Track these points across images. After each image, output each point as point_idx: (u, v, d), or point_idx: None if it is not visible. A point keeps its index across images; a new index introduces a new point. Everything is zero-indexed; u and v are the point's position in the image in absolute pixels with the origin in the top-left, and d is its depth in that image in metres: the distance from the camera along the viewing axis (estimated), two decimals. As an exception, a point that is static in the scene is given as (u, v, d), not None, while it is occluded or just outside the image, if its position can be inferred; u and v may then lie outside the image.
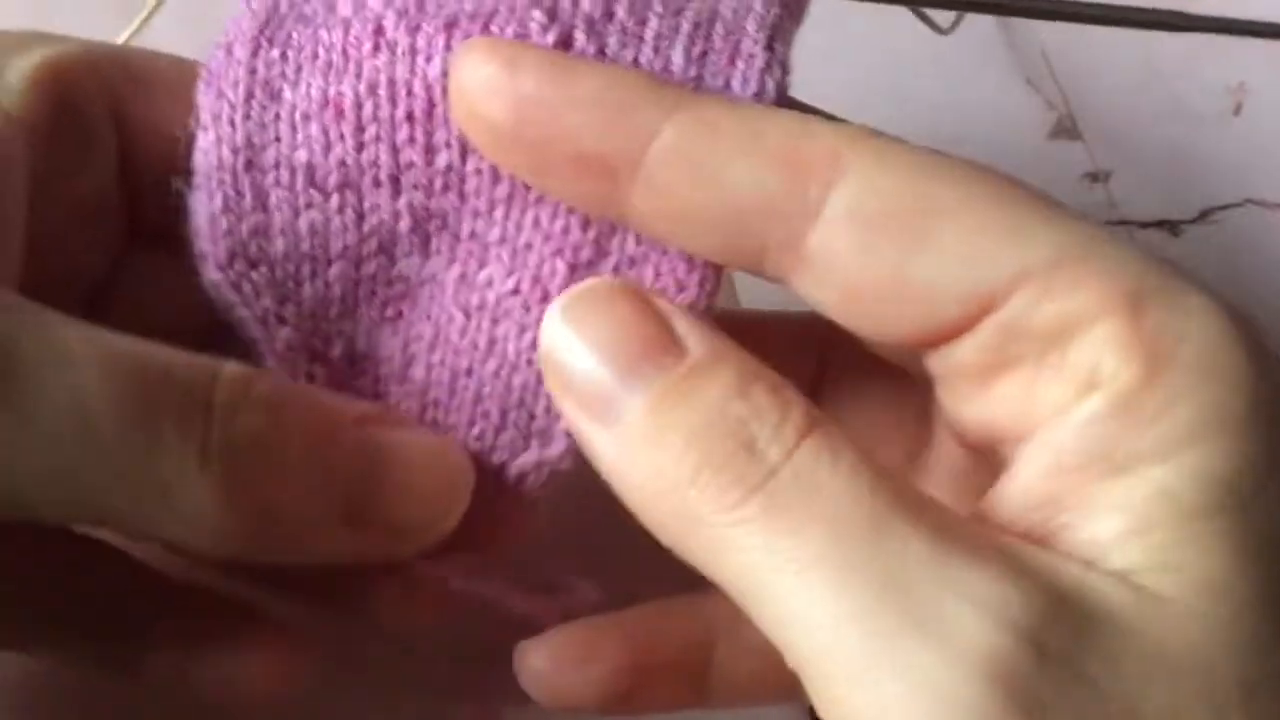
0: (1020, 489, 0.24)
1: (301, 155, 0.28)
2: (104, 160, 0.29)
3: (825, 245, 0.24)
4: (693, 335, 0.25)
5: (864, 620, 0.21)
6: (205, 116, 0.28)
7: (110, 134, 0.29)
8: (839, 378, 0.31)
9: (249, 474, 0.24)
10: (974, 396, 0.25)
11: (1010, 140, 0.48)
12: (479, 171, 0.27)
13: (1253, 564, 0.22)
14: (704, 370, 0.24)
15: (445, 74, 0.27)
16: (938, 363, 0.25)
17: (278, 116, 0.28)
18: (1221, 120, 0.48)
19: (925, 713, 0.21)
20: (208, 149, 0.28)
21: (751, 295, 0.39)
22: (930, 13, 0.46)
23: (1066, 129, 0.48)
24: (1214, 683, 0.21)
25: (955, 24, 0.46)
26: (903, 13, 0.47)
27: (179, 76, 0.29)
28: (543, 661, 0.30)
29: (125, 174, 0.29)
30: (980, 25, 0.48)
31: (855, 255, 0.24)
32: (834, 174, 0.24)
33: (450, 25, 0.27)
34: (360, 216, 0.28)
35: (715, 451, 0.23)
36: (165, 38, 0.44)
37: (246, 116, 0.28)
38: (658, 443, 0.24)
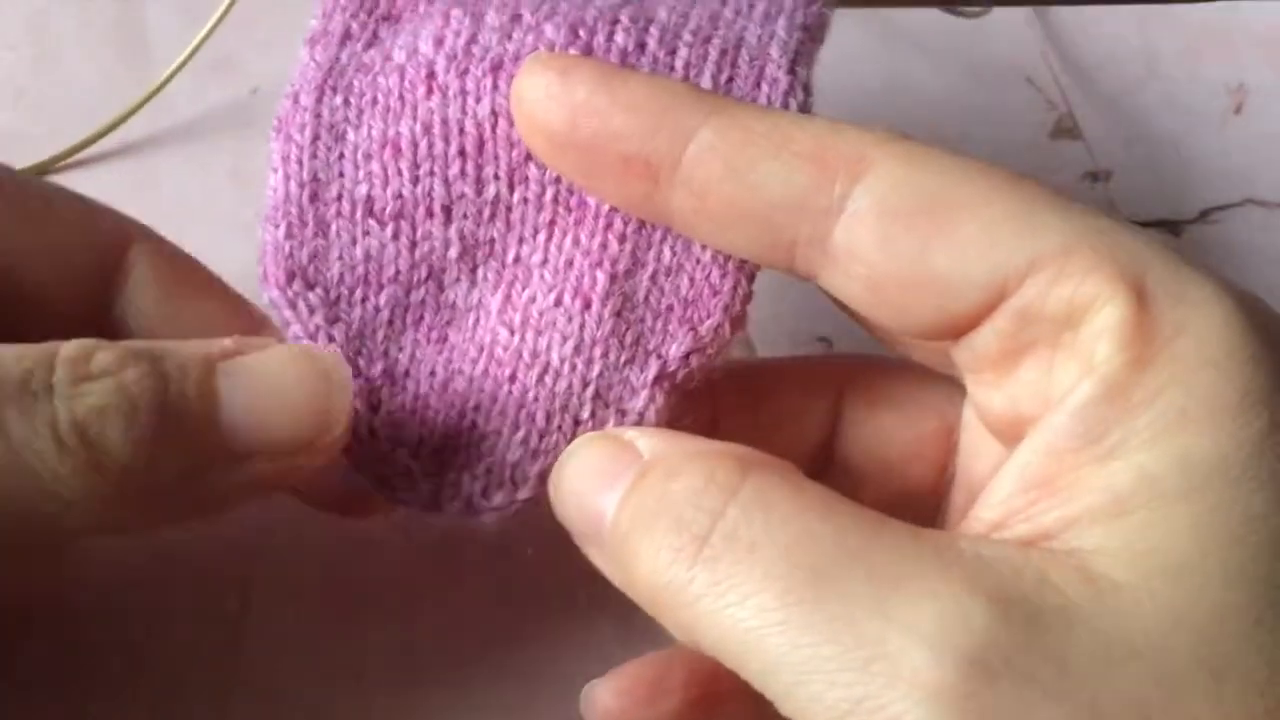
0: (1017, 470, 0.25)
1: (362, 189, 0.30)
2: None
3: (850, 238, 0.26)
4: (645, 441, 0.26)
5: (827, 674, 0.22)
6: (275, 159, 0.30)
7: None
8: (859, 411, 0.32)
9: (103, 444, 0.25)
10: (999, 384, 0.26)
11: (1011, 140, 0.48)
12: (524, 200, 0.30)
13: (1227, 546, 0.22)
14: (649, 467, 0.26)
15: (494, 113, 0.30)
16: (962, 355, 0.27)
17: (342, 156, 0.30)
18: (1221, 120, 0.48)
19: None
20: (276, 186, 0.30)
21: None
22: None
23: (1066, 129, 0.48)
24: (1174, 667, 0.22)
25: (986, 10, 0.46)
26: (902, 14, 0.47)
27: (29, 193, 0.31)
28: (613, 701, 0.30)
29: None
30: (981, 25, 0.48)
31: (878, 247, 0.26)
32: (859, 171, 0.26)
33: (496, 68, 0.30)
34: (413, 244, 0.30)
35: (658, 531, 0.24)
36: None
37: (313, 156, 0.30)
38: (626, 540, 0.25)
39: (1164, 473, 0.23)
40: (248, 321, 0.32)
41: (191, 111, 0.44)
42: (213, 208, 0.42)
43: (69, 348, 0.25)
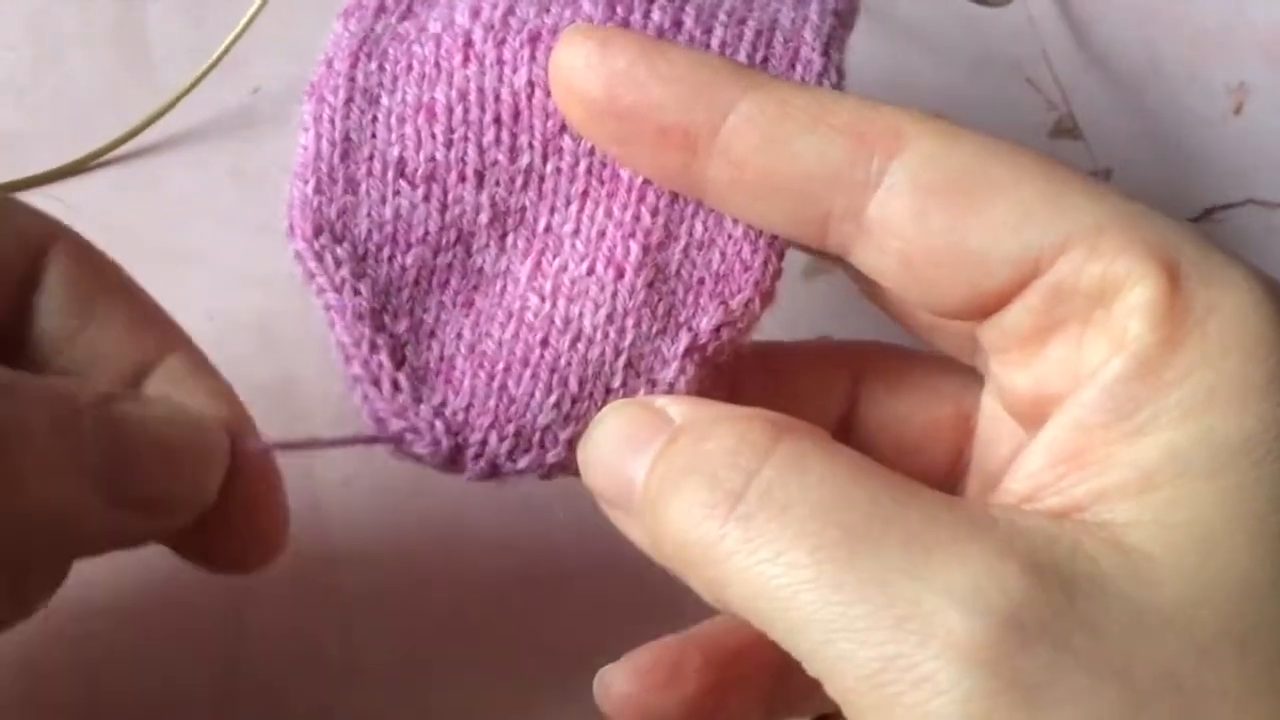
0: (1046, 444, 0.25)
1: (395, 151, 0.30)
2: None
3: (885, 212, 0.26)
4: (676, 408, 0.27)
5: (858, 632, 0.22)
6: (307, 119, 0.30)
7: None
8: (876, 393, 0.32)
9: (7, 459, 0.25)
10: (1025, 363, 0.26)
11: (1011, 139, 0.48)
12: (558, 170, 0.30)
13: (1253, 524, 0.23)
14: (682, 430, 0.26)
15: (530, 83, 0.30)
16: (990, 333, 0.27)
17: (375, 119, 0.30)
18: (1222, 120, 0.49)
19: (931, 709, 0.21)
20: (307, 144, 0.30)
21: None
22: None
23: (1066, 129, 0.48)
24: (1203, 636, 0.22)
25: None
26: (903, 14, 0.47)
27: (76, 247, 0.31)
28: (629, 686, 0.30)
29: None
30: (981, 24, 0.48)
31: (912, 221, 0.26)
32: (896, 147, 0.26)
33: (534, 40, 0.30)
34: (444, 207, 0.30)
35: (689, 489, 0.25)
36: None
37: (346, 117, 0.30)
38: (657, 499, 0.25)
39: (1191, 451, 0.23)
40: (157, 331, 0.32)
41: (193, 111, 0.44)
42: (214, 206, 0.43)
43: None
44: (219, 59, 0.43)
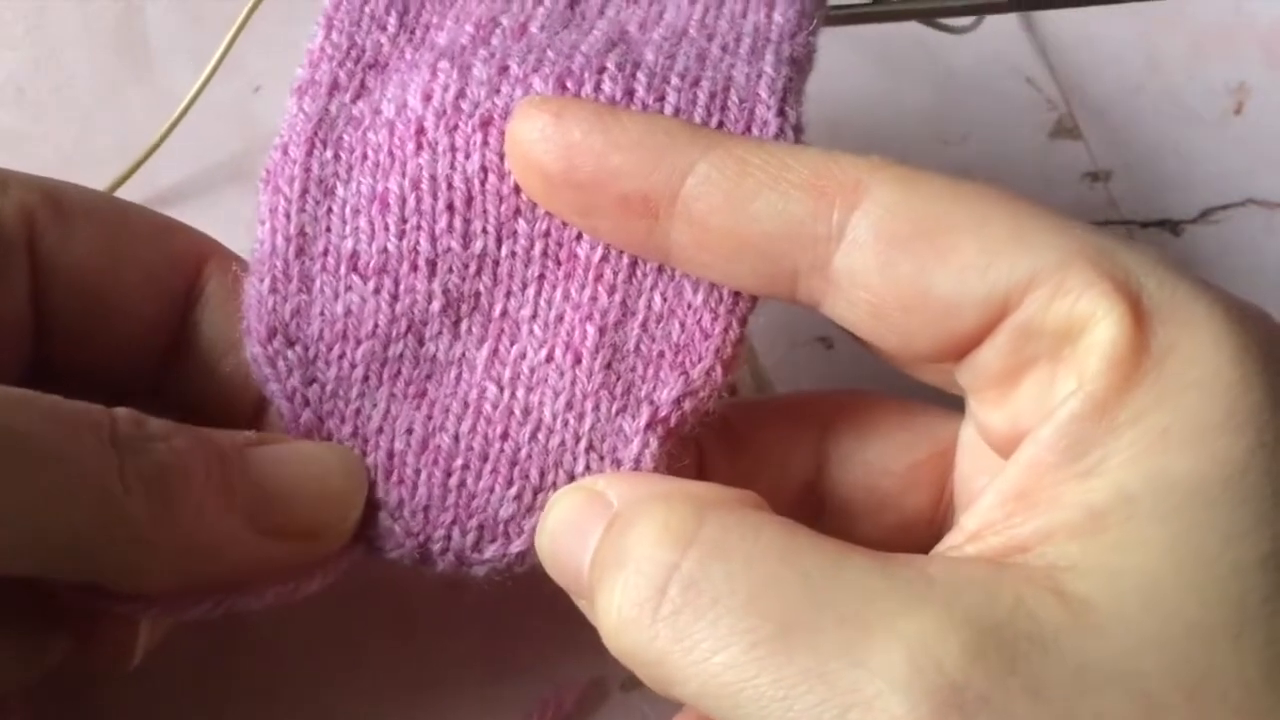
0: (999, 482, 0.24)
1: (348, 244, 0.30)
2: (16, 284, 0.30)
3: (850, 265, 0.26)
4: (614, 490, 0.26)
5: None
6: (263, 211, 0.30)
7: (24, 260, 0.30)
8: (846, 446, 0.32)
9: (165, 500, 0.26)
10: (1001, 402, 0.26)
11: (1011, 140, 0.48)
12: (513, 254, 0.30)
13: (1204, 567, 0.22)
14: (618, 517, 0.26)
15: (484, 169, 0.29)
16: (965, 375, 0.27)
17: (330, 210, 0.30)
18: (1222, 120, 0.49)
19: None
20: (263, 239, 0.30)
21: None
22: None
23: (1067, 129, 0.48)
24: (1148, 687, 0.22)
25: (976, 24, 0.46)
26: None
27: (110, 214, 0.31)
28: None
29: (37, 302, 0.30)
30: (981, 25, 0.48)
31: (878, 272, 0.25)
32: (856, 198, 0.26)
33: (486, 124, 0.30)
34: (394, 298, 0.30)
35: (617, 585, 0.24)
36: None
37: (301, 210, 0.30)
38: (594, 599, 0.25)
39: (1142, 493, 0.23)
40: None
41: (194, 110, 0.44)
42: (213, 206, 0.43)
43: (122, 411, 0.26)
44: (220, 60, 0.43)
